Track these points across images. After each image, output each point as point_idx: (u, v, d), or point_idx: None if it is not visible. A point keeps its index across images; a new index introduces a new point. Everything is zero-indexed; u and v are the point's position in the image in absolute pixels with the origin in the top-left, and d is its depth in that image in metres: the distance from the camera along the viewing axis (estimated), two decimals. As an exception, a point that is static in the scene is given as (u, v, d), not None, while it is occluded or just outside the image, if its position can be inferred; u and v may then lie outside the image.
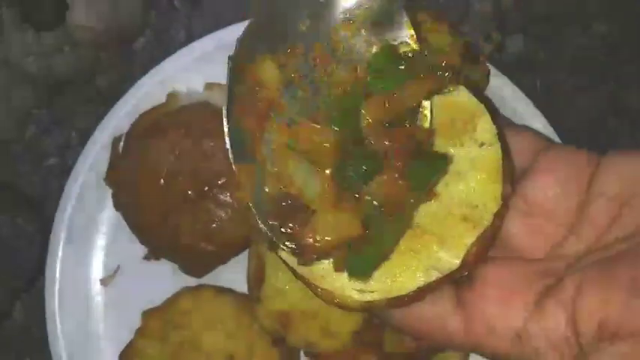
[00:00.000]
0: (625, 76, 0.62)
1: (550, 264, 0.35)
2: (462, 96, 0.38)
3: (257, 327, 0.52)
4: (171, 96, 0.57)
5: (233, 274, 0.55)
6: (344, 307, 0.37)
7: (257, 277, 0.51)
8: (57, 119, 0.63)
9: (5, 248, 0.61)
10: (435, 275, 0.35)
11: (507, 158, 0.37)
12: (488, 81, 0.54)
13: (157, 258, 0.56)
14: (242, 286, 0.54)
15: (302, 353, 0.54)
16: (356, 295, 0.36)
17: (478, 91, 0.39)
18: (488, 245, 0.36)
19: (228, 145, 0.38)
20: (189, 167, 0.52)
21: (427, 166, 0.37)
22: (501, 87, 0.55)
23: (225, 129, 0.38)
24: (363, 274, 0.36)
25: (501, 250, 0.36)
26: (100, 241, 0.58)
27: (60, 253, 0.56)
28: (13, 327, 0.61)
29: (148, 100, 0.57)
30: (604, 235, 0.34)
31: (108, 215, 0.57)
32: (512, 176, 0.37)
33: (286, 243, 0.36)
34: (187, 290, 0.54)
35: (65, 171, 0.62)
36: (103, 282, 0.57)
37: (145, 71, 0.60)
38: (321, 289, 0.36)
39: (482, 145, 0.37)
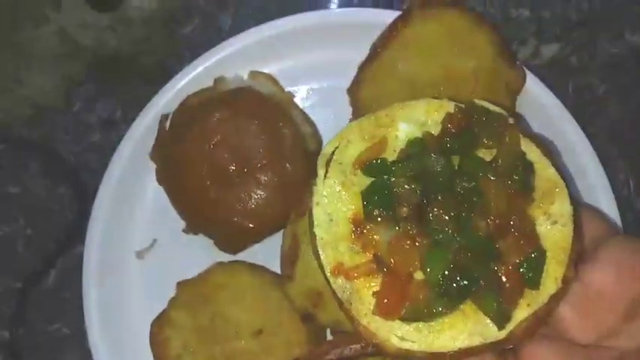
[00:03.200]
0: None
1: (598, 352, 0.36)
2: (545, 169, 0.39)
3: (287, 304, 0.53)
4: (219, 80, 0.59)
5: (266, 253, 0.57)
6: (381, 348, 0.37)
7: (291, 257, 0.53)
8: (103, 94, 0.65)
9: (42, 211, 0.64)
10: (478, 341, 0.36)
11: (577, 241, 0.37)
12: (524, 82, 0.56)
13: (195, 232, 0.58)
14: (274, 265, 0.56)
15: (328, 331, 0.55)
16: (395, 341, 0.37)
17: (559, 166, 0.39)
18: (540, 324, 0.37)
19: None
20: (233, 146, 0.55)
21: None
22: (536, 89, 0.57)
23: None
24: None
25: (550, 329, 0.37)
26: (141, 214, 0.60)
27: (101, 223, 0.58)
28: (45, 291, 0.63)
29: (196, 83, 0.59)
30: None
31: (150, 189, 0.60)
32: (577, 260, 0.37)
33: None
34: (221, 265, 0.56)
35: (106, 145, 0.64)
36: (139, 254, 0.60)
37: (190, 55, 0.63)
38: (363, 326, 0.38)
39: (554, 223, 0.37)
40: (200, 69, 0.60)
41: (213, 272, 0.56)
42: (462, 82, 0.54)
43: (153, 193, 0.60)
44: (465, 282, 0.36)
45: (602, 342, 0.36)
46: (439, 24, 0.55)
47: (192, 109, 0.57)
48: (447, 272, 0.36)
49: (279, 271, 0.55)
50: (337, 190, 0.41)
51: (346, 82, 0.58)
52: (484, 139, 0.39)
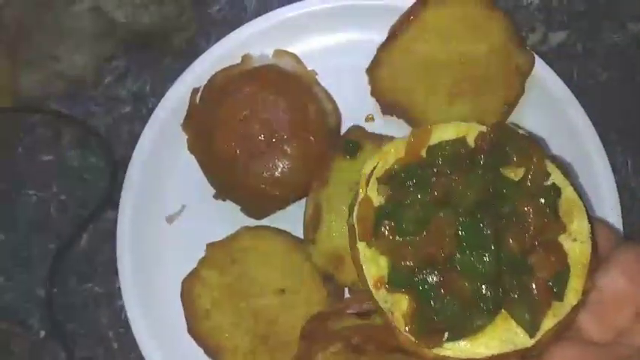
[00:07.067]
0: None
1: (616, 349, 0.39)
2: (565, 189, 0.42)
3: (308, 265, 0.57)
4: (246, 57, 0.63)
5: (289, 219, 0.61)
6: (419, 355, 0.40)
7: (313, 222, 0.57)
8: (133, 70, 0.69)
9: (76, 180, 0.67)
10: (509, 348, 0.39)
11: (593, 255, 0.41)
12: (533, 66, 0.60)
13: (224, 199, 0.61)
14: (296, 231, 0.60)
15: (346, 290, 0.59)
16: (434, 349, 0.40)
17: (578, 190, 0.42)
18: (563, 331, 0.40)
19: None
20: (261, 119, 0.58)
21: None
22: (543, 73, 0.61)
23: None
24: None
25: (569, 331, 0.40)
26: (172, 181, 0.63)
27: (135, 188, 0.62)
28: (77, 253, 0.65)
29: (224, 59, 0.63)
30: None
31: (180, 158, 0.63)
32: (593, 272, 0.40)
33: None
34: (247, 229, 0.60)
35: (136, 117, 0.67)
36: (169, 219, 0.63)
37: (217, 33, 0.66)
38: (403, 334, 0.40)
39: (574, 240, 0.41)
40: (228, 46, 0.63)
41: (240, 235, 0.59)
42: (475, 64, 0.58)
43: (183, 162, 0.63)
44: (501, 294, 0.39)
45: (618, 340, 0.39)
46: (455, 10, 0.59)
47: (222, 83, 0.61)
48: (484, 286, 0.39)
49: (300, 236, 0.59)
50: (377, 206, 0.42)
51: (366, 62, 0.62)
52: (514, 157, 0.41)
